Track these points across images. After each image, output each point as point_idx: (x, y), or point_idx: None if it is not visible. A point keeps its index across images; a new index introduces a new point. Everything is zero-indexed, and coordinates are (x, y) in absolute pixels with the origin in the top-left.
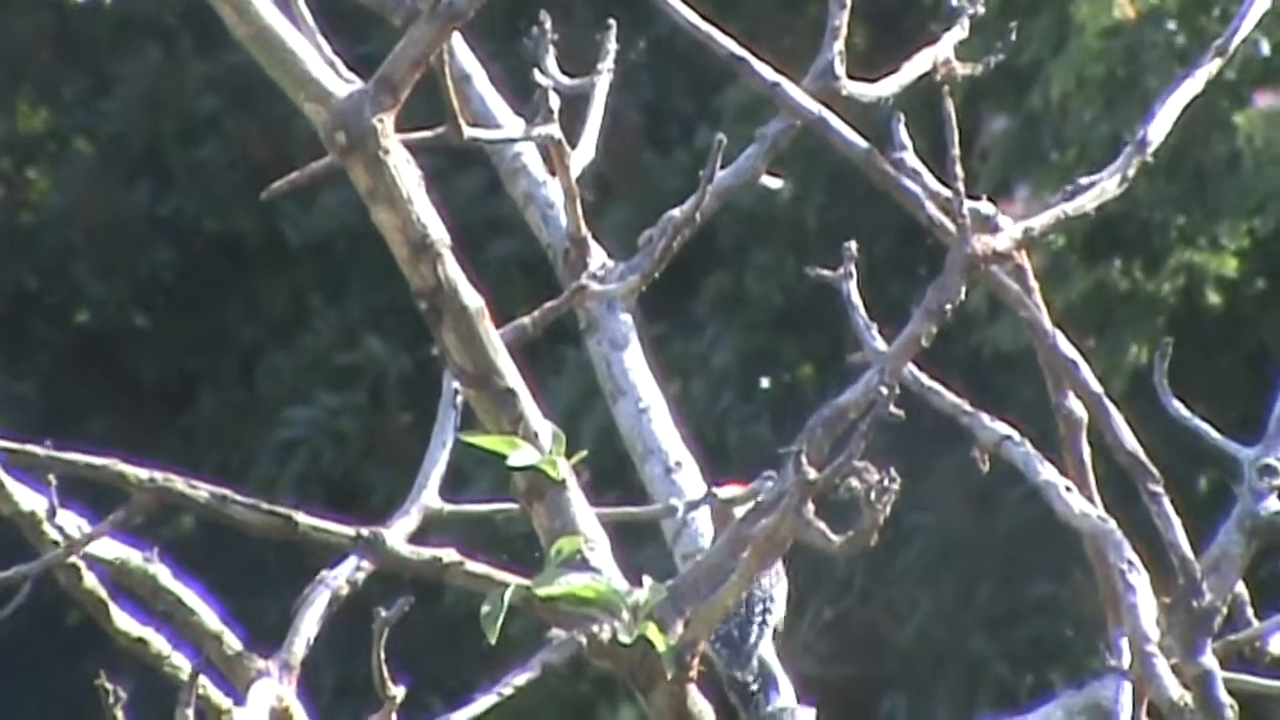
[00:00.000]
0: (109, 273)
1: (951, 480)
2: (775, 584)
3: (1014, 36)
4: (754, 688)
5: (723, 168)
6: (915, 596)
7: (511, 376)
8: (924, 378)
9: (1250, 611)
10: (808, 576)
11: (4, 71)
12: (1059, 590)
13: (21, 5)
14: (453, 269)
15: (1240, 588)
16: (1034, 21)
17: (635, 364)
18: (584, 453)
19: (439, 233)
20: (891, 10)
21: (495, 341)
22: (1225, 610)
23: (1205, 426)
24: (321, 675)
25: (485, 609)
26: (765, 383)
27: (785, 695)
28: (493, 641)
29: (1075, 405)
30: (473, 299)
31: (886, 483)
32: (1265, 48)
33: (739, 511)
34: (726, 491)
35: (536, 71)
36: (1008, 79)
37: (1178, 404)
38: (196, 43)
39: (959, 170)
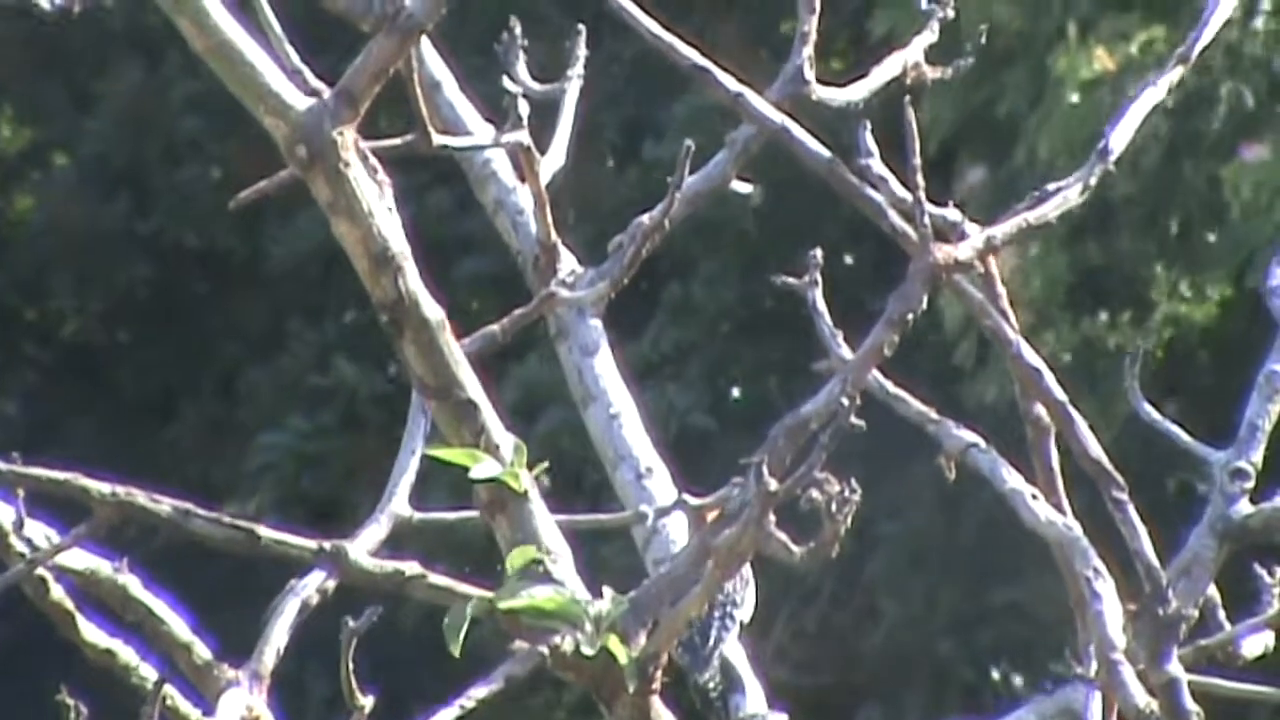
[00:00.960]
0: (89, 289)
1: (919, 488)
2: (740, 587)
3: (992, 85)
4: (714, 691)
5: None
6: (884, 603)
7: (473, 388)
8: (890, 385)
9: (1223, 615)
10: (778, 585)
11: None
12: (1023, 594)
13: (2, 22)
14: (413, 281)
15: (1212, 591)
16: (1011, 72)
17: (606, 370)
18: (545, 464)
19: (400, 245)
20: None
21: (456, 354)
22: (1197, 614)
23: (1176, 430)
24: (309, 689)
25: (448, 620)
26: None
27: (754, 700)
28: (456, 653)
29: (1042, 412)
30: (433, 311)
31: (847, 494)
32: (1250, 100)
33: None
34: (696, 500)
35: (506, 78)
36: (986, 129)
37: (1149, 408)
38: (180, 62)
39: (920, 179)
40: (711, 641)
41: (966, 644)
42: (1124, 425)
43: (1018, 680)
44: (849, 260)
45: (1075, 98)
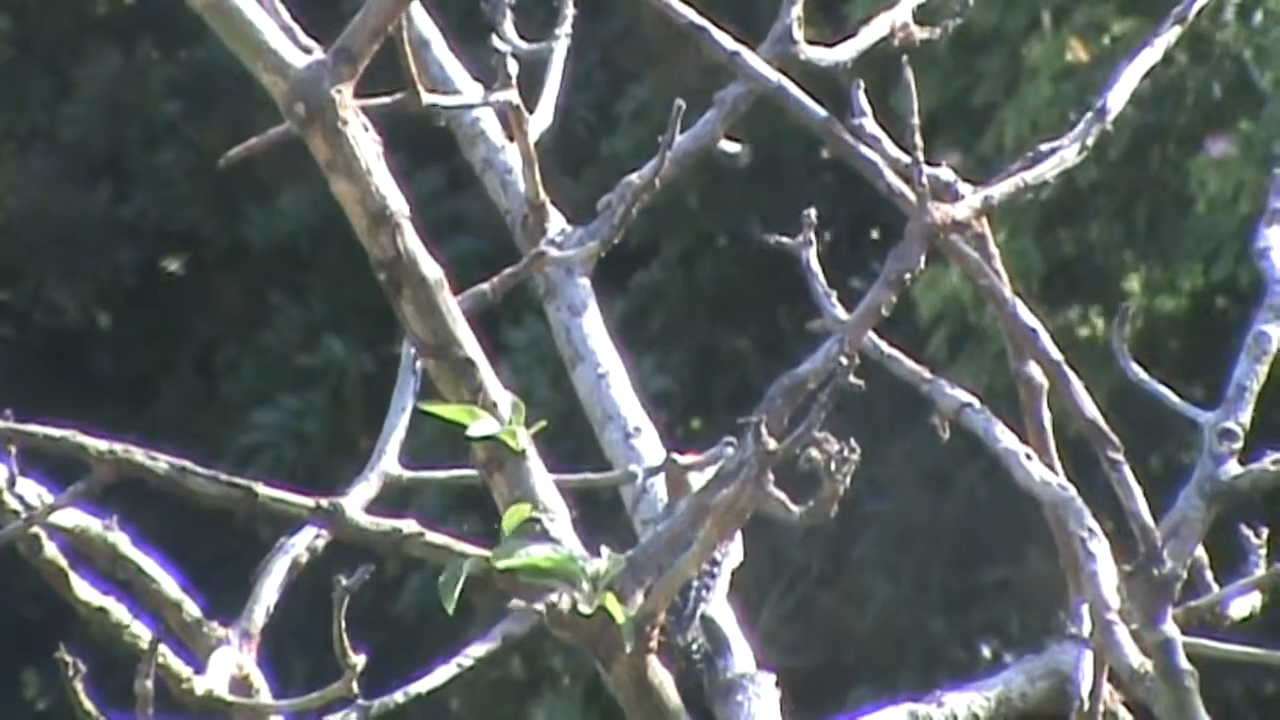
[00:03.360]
0: (71, 273)
1: (906, 466)
2: (723, 545)
3: (967, 73)
4: (698, 653)
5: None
6: (873, 583)
7: (470, 346)
8: (884, 345)
9: (1210, 576)
10: (767, 567)
11: None
12: (1013, 572)
13: None
14: (412, 240)
15: (1200, 552)
16: (986, 60)
17: (594, 329)
18: (543, 423)
19: (398, 204)
20: None
21: (454, 312)
22: (1185, 575)
23: (1164, 390)
24: (291, 666)
25: (443, 577)
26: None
27: (743, 660)
28: (450, 610)
29: (1035, 372)
30: (432, 270)
31: (846, 453)
32: (1217, 90)
33: (697, 478)
34: (686, 459)
35: (494, 37)
36: (961, 117)
37: (1136, 368)
38: (157, 46)
39: (918, 139)
40: (692, 603)
41: (957, 622)
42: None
43: (1009, 658)
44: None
45: (1048, 88)
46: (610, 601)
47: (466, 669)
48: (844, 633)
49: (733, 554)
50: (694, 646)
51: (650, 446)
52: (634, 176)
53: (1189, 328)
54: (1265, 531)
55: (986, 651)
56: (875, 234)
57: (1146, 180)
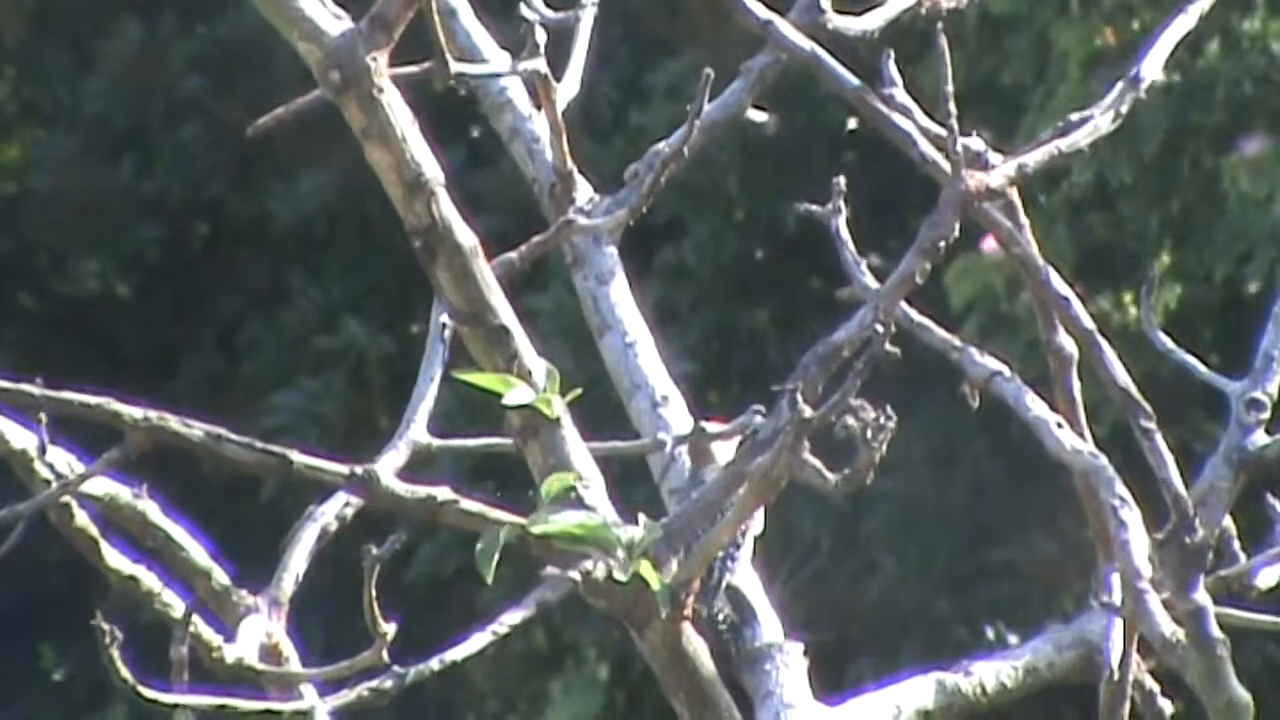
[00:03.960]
0: (93, 249)
1: (915, 445)
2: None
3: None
4: (724, 624)
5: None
6: (880, 560)
7: (505, 314)
8: (914, 314)
9: (1237, 545)
10: (776, 543)
11: None
12: (1019, 554)
13: None
14: (447, 207)
15: (1228, 522)
16: (1014, 40)
17: (621, 298)
18: (578, 391)
19: (433, 171)
20: None
21: (489, 280)
22: (1213, 545)
23: (1192, 360)
24: (311, 634)
25: (480, 546)
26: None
27: (771, 629)
28: (489, 580)
29: (1066, 342)
30: (467, 237)
31: (883, 420)
32: (1248, 86)
33: (720, 448)
34: (714, 426)
35: (522, 6)
36: (991, 97)
37: (1164, 337)
38: (178, 20)
39: (952, 108)
40: (717, 573)
41: (961, 602)
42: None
43: (1013, 639)
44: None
45: (1077, 73)
46: (645, 569)
47: (501, 635)
48: (849, 608)
49: (755, 523)
50: (720, 617)
51: (678, 415)
52: (662, 145)
53: (1222, 318)
54: None
55: (990, 632)
56: (896, 212)
57: (1179, 180)
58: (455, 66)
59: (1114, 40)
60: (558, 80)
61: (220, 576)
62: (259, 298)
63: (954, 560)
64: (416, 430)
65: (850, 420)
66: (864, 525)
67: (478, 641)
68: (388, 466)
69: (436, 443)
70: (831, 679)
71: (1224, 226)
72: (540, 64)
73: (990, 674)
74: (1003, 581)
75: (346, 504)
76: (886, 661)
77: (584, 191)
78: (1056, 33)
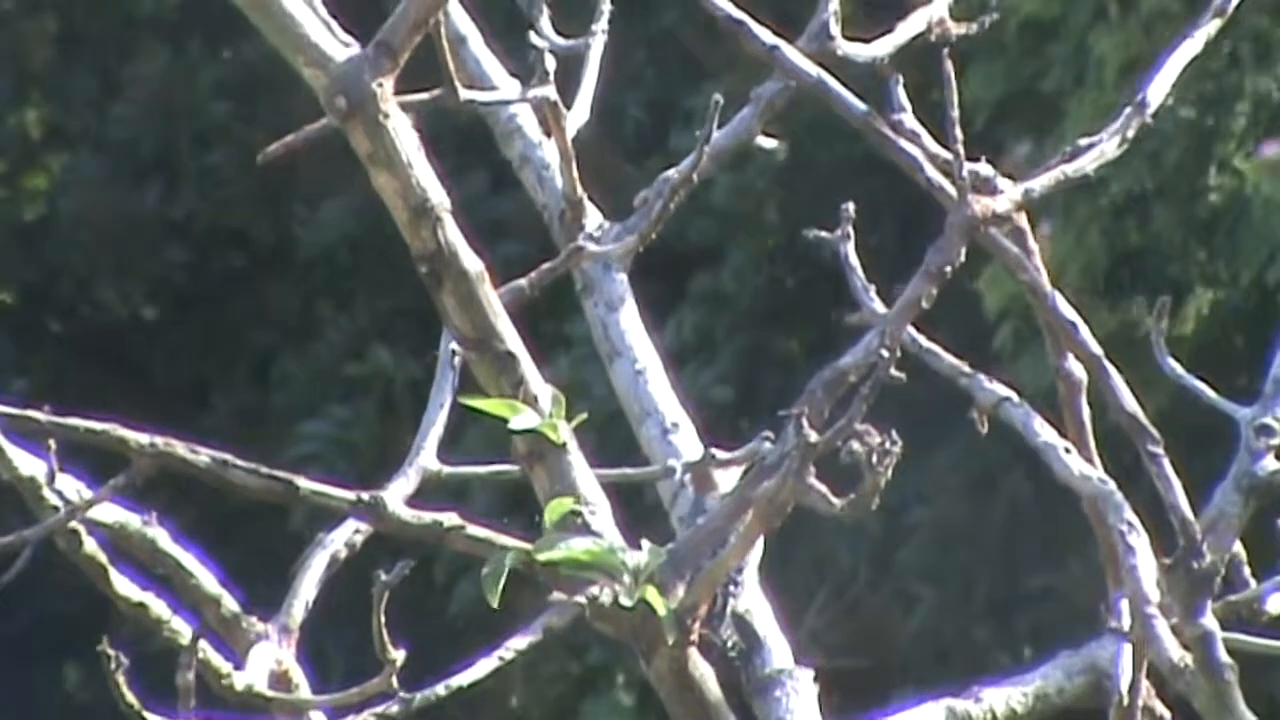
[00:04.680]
0: (122, 274)
1: (949, 473)
2: None
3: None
4: (733, 651)
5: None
6: (918, 589)
7: (512, 340)
8: (923, 340)
9: (1247, 572)
10: (813, 571)
11: (11, 74)
12: (1058, 579)
13: (26, 7)
14: (453, 233)
15: (1237, 548)
16: (1054, 47)
17: (631, 325)
18: (584, 416)
19: (439, 196)
20: None
21: (495, 305)
22: (1222, 571)
23: (1202, 386)
24: (331, 660)
25: (486, 570)
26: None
27: (780, 656)
28: (494, 604)
29: (1075, 367)
30: (473, 263)
31: (888, 445)
32: (1277, 93)
33: (725, 475)
34: (724, 454)
35: (531, 33)
36: (1031, 103)
37: (1174, 363)
38: (205, 45)
39: (958, 133)
40: (721, 600)
41: (1001, 628)
42: (1161, 411)
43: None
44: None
45: (1113, 78)
46: (651, 594)
47: (508, 661)
48: (888, 637)
49: (756, 551)
50: (729, 644)
51: (688, 442)
52: (672, 172)
53: (1254, 324)
54: None
55: (1030, 658)
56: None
57: (1204, 184)
58: (464, 94)
59: (1149, 47)
60: (568, 107)
61: (230, 603)
62: (289, 326)
63: (992, 587)
64: (426, 457)
65: (856, 445)
66: (901, 553)
67: (484, 667)
68: (397, 494)
69: (446, 470)
70: (873, 707)
71: (1248, 231)
72: (550, 91)
73: (1001, 700)
74: (1042, 607)
75: (356, 531)
76: (929, 689)
77: (594, 218)
78: (1095, 39)
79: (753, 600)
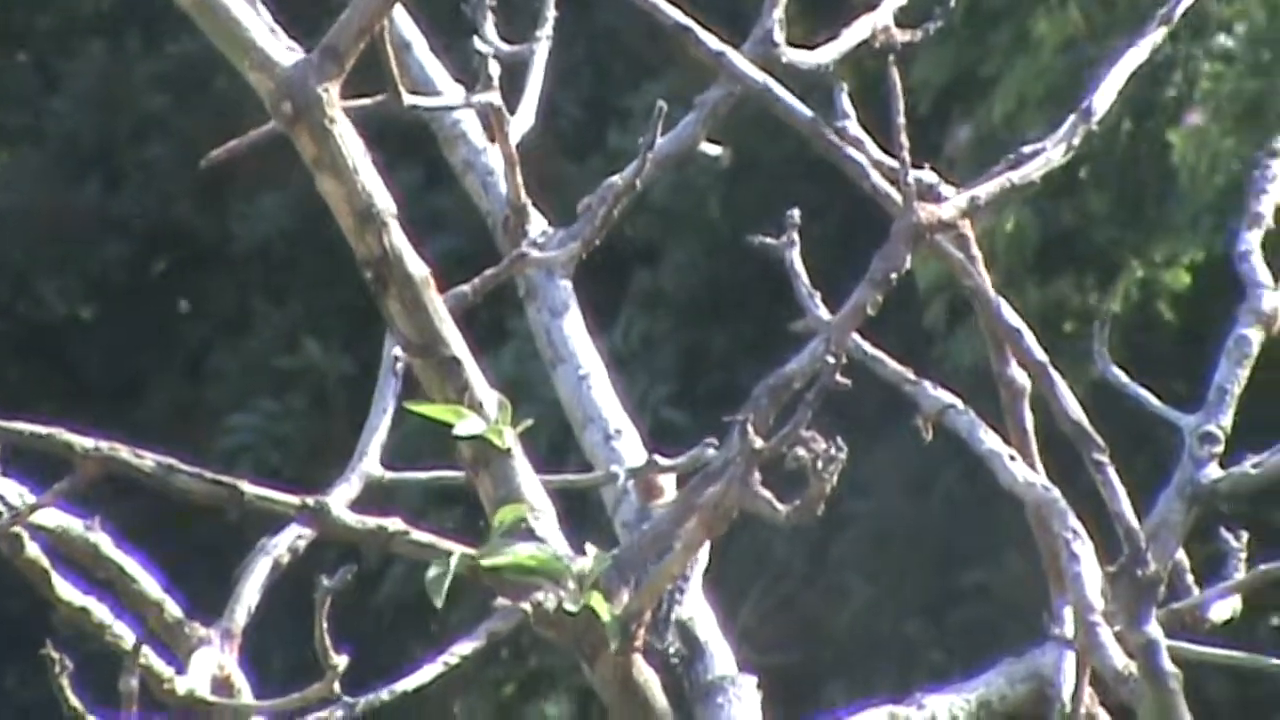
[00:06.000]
0: (61, 271)
1: (886, 468)
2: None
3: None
4: (675, 658)
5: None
6: (852, 583)
7: (457, 345)
8: (867, 346)
9: (1190, 579)
10: (748, 565)
11: None
12: (991, 576)
13: None
14: (398, 238)
15: (1180, 555)
16: (996, 32)
17: (575, 331)
18: (529, 422)
19: (385, 202)
20: None
21: (441, 310)
22: (1166, 578)
23: (1146, 394)
24: (270, 659)
25: (430, 574)
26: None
27: (723, 662)
28: (439, 605)
29: (1018, 374)
30: (418, 268)
31: (833, 451)
32: (1206, 65)
33: (670, 483)
34: (666, 460)
35: (476, 39)
36: (973, 87)
37: (1118, 371)
38: (144, 39)
39: (904, 139)
40: (665, 608)
41: (934, 624)
42: (1089, 392)
43: (985, 662)
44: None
45: (1049, 57)
46: (596, 600)
47: (452, 667)
48: (822, 632)
49: (701, 559)
50: (671, 650)
51: (631, 448)
52: (616, 178)
53: (1186, 301)
54: (1245, 535)
55: (962, 654)
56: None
57: (1135, 155)
58: (409, 99)
59: (1086, 28)
60: (512, 113)
61: (172, 609)
62: (224, 321)
63: (926, 583)
64: (369, 463)
65: (801, 451)
66: (836, 548)
67: (429, 672)
68: (340, 499)
69: (389, 475)
70: (805, 703)
71: (1176, 202)
72: (494, 97)
73: (943, 707)
74: (976, 604)
75: (299, 536)
76: (859, 684)
77: (537, 224)
78: (1034, 23)
79: (696, 607)
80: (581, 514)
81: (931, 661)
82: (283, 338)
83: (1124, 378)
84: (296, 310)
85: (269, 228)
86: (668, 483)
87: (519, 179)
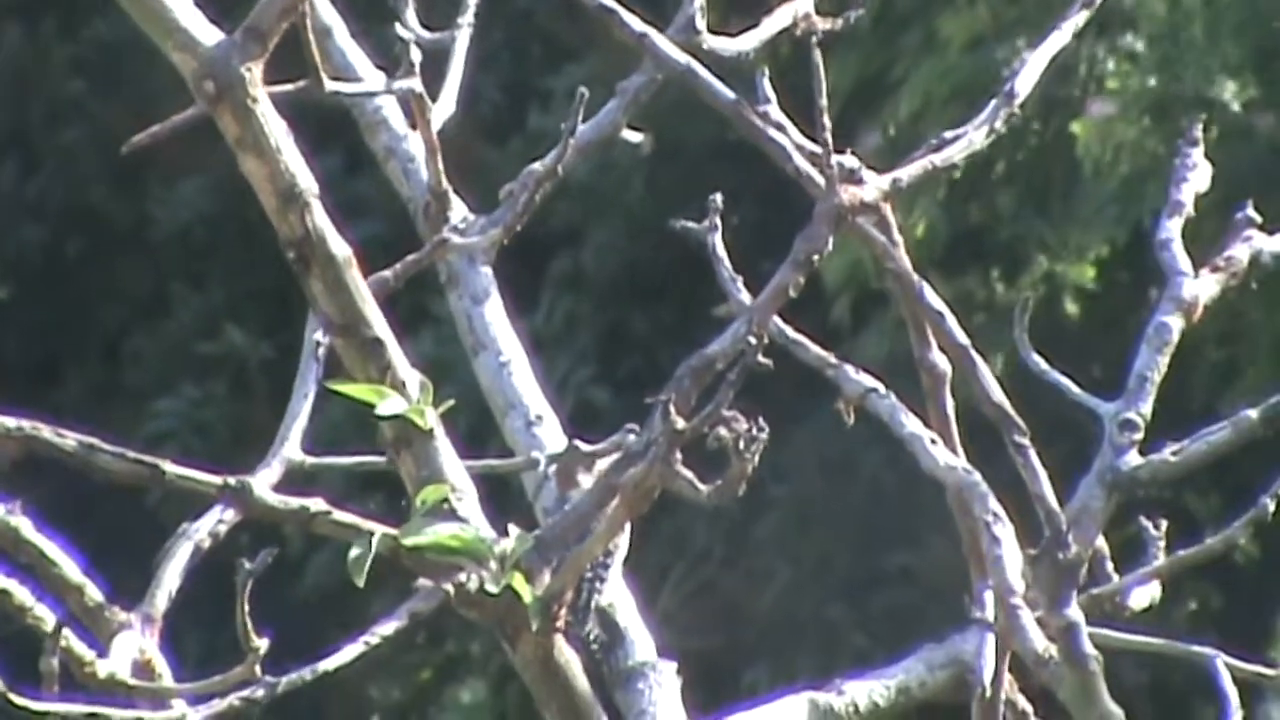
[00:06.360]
0: None
1: (808, 451)
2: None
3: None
4: (595, 645)
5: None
6: (774, 566)
7: (379, 326)
8: (789, 330)
9: (1111, 567)
10: (668, 548)
11: None
12: (915, 559)
13: None
14: (320, 218)
15: (1101, 543)
16: (905, 35)
17: (496, 318)
18: (451, 402)
19: (307, 182)
20: None
21: (363, 291)
22: (1086, 564)
23: (1065, 382)
24: (186, 642)
25: (352, 554)
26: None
27: (643, 649)
28: (360, 584)
29: (939, 359)
30: (340, 248)
31: (755, 431)
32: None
33: (586, 476)
34: (588, 446)
35: (397, 25)
36: (881, 91)
37: (1038, 358)
38: (60, 23)
39: (826, 122)
40: (586, 594)
41: (857, 608)
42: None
43: (908, 646)
44: (735, 221)
45: (956, 56)
46: (517, 581)
47: (373, 647)
48: (743, 615)
49: (622, 547)
50: (591, 636)
51: (552, 434)
52: (536, 165)
53: (1093, 295)
54: (1164, 524)
55: (885, 638)
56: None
57: (1040, 147)
58: (330, 85)
59: (993, 25)
60: (433, 100)
61: (93, 593)
62: (141, 305)
63: (849, 566)
64: (290, 448)
65: (723, 431)
66: (757, 530)
67: (350, 652)
68: (262, 483)
69: (310, 460)
70: (726, 686)
71: (1081, 193)
72: (415, 83)
73: (863, 693)
74: (899, 587)
75: (220, 520)
76: (781, 669)
77: (458, 211)
78: (942, 23)
79: (616, 593)
80: (503, 499)
81: (855, 645)
82: (203, 322)
83: (1043, 364)
84: (217, 295)
85: (188, 213)
86: (585, 478)
87: (440, 165)
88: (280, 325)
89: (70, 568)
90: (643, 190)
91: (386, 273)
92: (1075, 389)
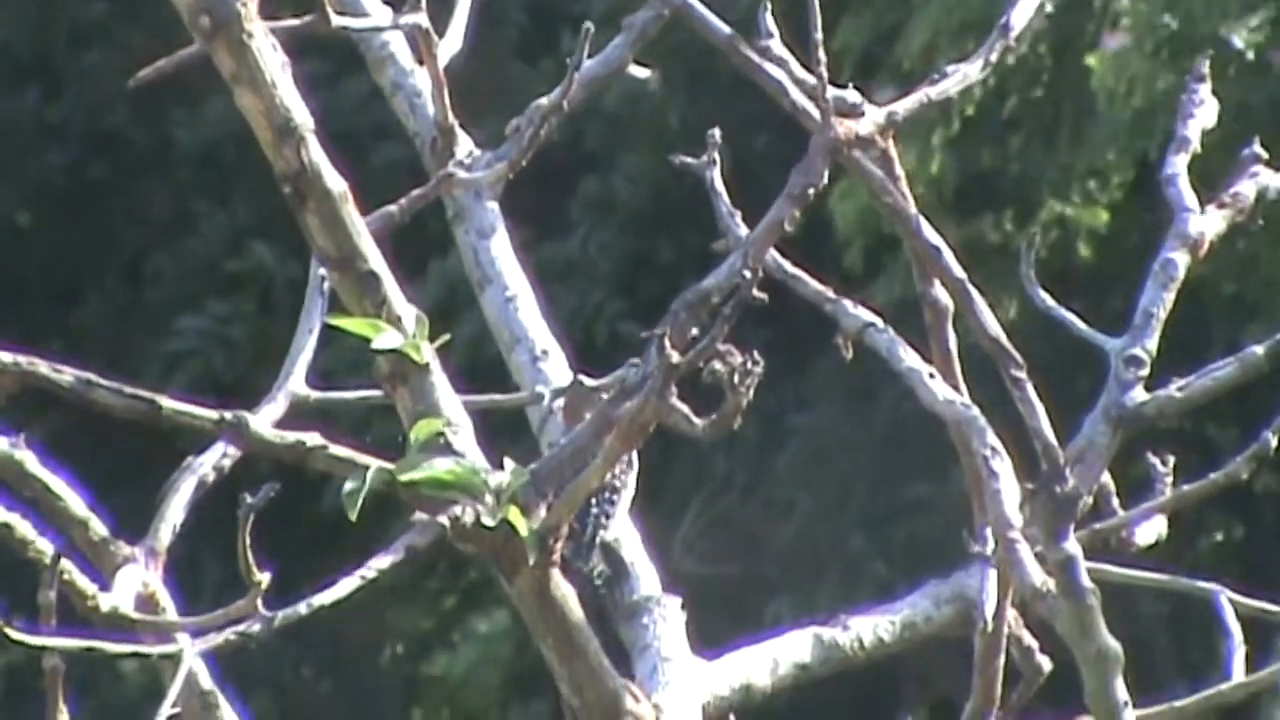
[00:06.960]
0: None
1: (830, 381)
2: (622, 473)
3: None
4: (599, 579)
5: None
6: (795, 496)
7: (375, 260)
8: (787, 265)
9: (1116, 503)
10: (689, 477)
11: None
12: (935, 491)
13: None
14: (316, 152)
15: (1106, 478)
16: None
17: (502, 252)
18: (447, 336)
19: (302, 116)
20: None
21: (359, 225)
22: (1091, 500)
23: (1071, 317)
24: (203, 573)
25: (347, 487)
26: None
27: (648, 583)
28: (353, 518)
29: (941, 294)
30: (336, 182)
31: (749, 365)
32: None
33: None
34: (592, 381)
35: None
36: (894, 49)
37: (1044, 295)
38: None
39: (822, 55)
40: (590, 529)
41: (877, 538)
42: (1010, 324)
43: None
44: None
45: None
46: (513, 514)
47: (370, 580)
48: (764, 545)
49: (629, 484)
50: (595, 571)
51: (558, 369)
52: (542, 100)
53: (1104, 238)
54: (1171, 459)
55: (906, 568)
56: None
57: (1055, 83)
58: (336, 20)
59: None
60: (440, 35)
61: (98, 527)
62: (163, 226)
63: (869, 496)
64: (295, 382)
65: (718, 365)
66: (778, 460)
67: (346, 585)
68: (266, 418)
69: (314, 395)
70: (750, 617)
71: (1094, 125)
72: (422, 19)
73: (868, 629)
74: (918, 518)
75: (224, 455)
76: (804, 599)
77: (464, 146)
78: None
79: (622, 529)
80: (511, 433)
81: (876, 575)
82: (228, 240)
83: (1050, 300)
84: (242, 213)
85: (215, 132)
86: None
87: (447, 101)
88: (307, 245)
89: (75, 502)
90: (675, 120)
91: (392, 207)
92: (1081, 325)
